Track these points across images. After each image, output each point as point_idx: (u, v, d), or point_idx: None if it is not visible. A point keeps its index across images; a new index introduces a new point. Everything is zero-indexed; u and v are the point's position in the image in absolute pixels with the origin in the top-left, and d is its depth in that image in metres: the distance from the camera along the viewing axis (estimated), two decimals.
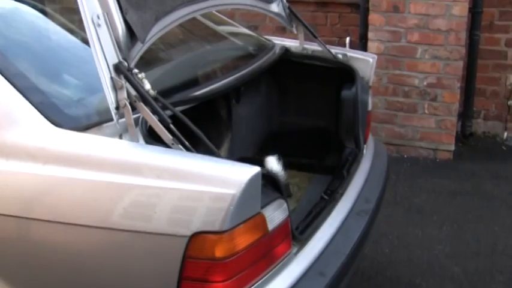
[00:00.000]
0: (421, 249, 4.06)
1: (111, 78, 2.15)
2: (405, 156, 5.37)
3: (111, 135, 2.23)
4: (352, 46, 5.56)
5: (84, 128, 2.26)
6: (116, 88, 2.15)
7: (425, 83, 5.13)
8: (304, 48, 3.64)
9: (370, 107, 3.45)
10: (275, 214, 2.24)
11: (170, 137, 2.16)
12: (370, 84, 3.55)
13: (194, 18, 3.47)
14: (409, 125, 5.28)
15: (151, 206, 2.06)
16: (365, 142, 3.42)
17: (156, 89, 2.55)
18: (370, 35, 5.16)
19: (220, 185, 2.01)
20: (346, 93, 3.37)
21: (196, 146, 2.25)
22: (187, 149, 2.17)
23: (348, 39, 5.66)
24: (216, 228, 1.99)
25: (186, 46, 3.35)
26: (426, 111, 5.20)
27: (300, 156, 3.58)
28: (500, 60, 5.50)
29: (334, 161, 3.41)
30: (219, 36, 3.59)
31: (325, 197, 2.96)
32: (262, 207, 2.15)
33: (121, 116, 2.18)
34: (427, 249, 4.06)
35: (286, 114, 3.83)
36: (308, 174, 3.53)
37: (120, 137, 2.23)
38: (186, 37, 3.41)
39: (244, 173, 2.02)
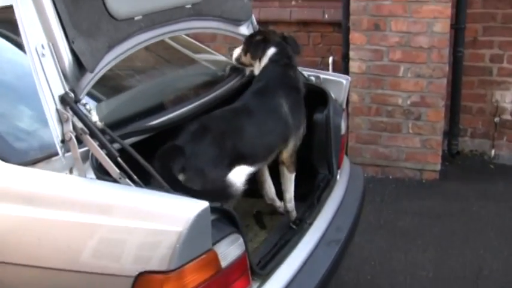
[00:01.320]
0: (404, 275, 3.94)
1: (57, 110, 2.06)
2: (390, 177, 5.27)
3: (61, 169, 2.14)
4: (335, 66, 5.54)
5: (32, 163, 2.17)
6: (61, 120, 2.06)
7: (409, 102, 5.04)
8: None
9: (343, 131, 3.36)
10: (230, 250, 2.14)
11: (117, 171, 2.07)
12: (344, 106, 3.45)
13: (163, 41, 3.41)
14: (394, 146, 5.18)
15: (94, 245, 1.97)
16: (339, 167, 3.33)
17: (113, 118, 2.49)
18: (351, 54, 5.08)
19: (166, 221, 1.93)
20: (318, 116, 3.29)
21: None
22: (136, 183, 2.07)
23: (330, 58, 5.64)
24: (162, 267, 1.91)
25: (151, 72, 3.28)
26: (411, 131, 5.10)
27: (274, 182, 3.48)
28: (486, 76, 5.40)
29: (308, 187, 3.31)
30: (186, 61, 3.51)
31: (294, 226, 2.86)
32: (214, 243, 2.06)
33: (69, 149, 2.10)
34: (411, 274, 3.94)
35: None
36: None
37: (71, 171, 2.15)
38: (151, 62, 3.33)
39: (191, 208, 1.93)
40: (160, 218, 1.93)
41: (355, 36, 5.04)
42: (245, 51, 3.26)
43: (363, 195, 3.42)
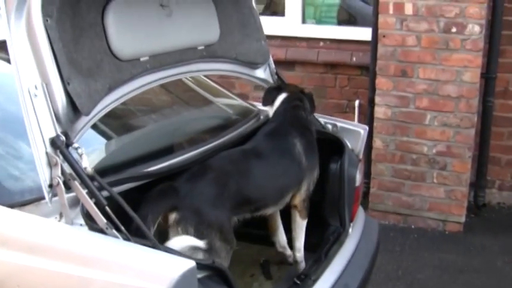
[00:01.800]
0: None
1: (46, 153, 1.99)
2: (412, 226, 5.08)
3: (51, 213, 2.06)
4: (362, 110, 5.41)
5: (20, 204, 2.09)
6: (50, 164, 1.99)
7: (434, 151, 4.87)
8: None
9: (358, 182, 3.21)
10: None
11: (104, 220, 1.97)
12: (361, 157, 3.32)
13: (182, 82, 3.35)
14: (417, 194, 5.00)
15: None
16: (351, 220, 3.18)
17: (113, 161, 2.41)
18: (377, 99, 4.95)
19: (149, 280, 1.83)
20: (332, 166, 3.17)
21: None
22: (123, 235, 1.97)
23: (357, 102, 5.51)
24: None
25: (162, 113, 3.20)
26: (435, 181, 4.92)
27: (286, 231, 3.35)
28: None
29: (318, 238, 3.17)
30: (198, 102, 3.43)
31: (297, 282, 2.72)
32: None
33: (55, 194, 2.01)
34: None
35: None
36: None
37: (61, 215, 2.06)
38: (165, 102, 3.27)
39: (176, 268, 1.82)
40: (144, 275, 1.84)
41: (381, 82, 4.91)
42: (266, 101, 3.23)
43: (375, 250, 3.27)
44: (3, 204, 2.08)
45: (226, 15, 3.06)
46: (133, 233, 2.03)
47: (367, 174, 5.25)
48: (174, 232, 2.37)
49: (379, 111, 4.96)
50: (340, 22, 5.82)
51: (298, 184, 2.93)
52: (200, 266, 2.02)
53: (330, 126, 3.36)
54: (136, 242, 1.96)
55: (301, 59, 5.65)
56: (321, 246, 3.01)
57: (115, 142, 2.77)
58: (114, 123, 2.86)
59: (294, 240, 3.08)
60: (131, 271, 1.84)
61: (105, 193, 2.11)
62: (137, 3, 2.50)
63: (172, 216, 2.40)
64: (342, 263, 2.94)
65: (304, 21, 5.77)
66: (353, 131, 3.33)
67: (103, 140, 2.73)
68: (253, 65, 3.24)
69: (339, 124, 3.36)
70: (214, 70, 3.04)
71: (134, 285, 1.81)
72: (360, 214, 3.44)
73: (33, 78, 2.00)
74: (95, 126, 2.60)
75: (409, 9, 4.69)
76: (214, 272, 2.06)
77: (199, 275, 2.01)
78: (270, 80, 3.37)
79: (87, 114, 2.15)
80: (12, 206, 2.08)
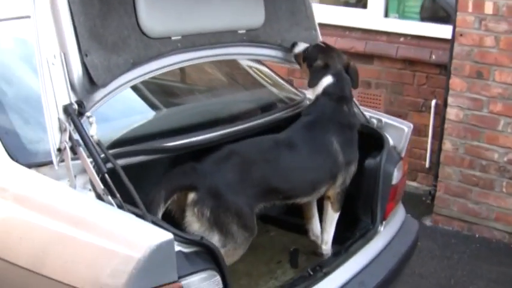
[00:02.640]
0: None
1: (58, 119, 2.11)
2: (477, 235, 4.87)
3: (63, 176, 2.18)
4: (437, 110, 5.25)
5: (37, 165, 2.23)
6: (60, 130, 2.10)
7: (505, 159, 4.64)
8: None
9: (395, 180, 3.14)
10: (202, 285, 2.07)
11: (102, 187, 2.07)
12: (403, 154, 3.24)
13: (235, 62, 3.40)
14: (484, 203, 4.79)
15: (62, 254, 2.00)
16: (385, 218, 3.12)
17: (134, 134, 2.50)
18: (450, 100, 4.77)
19: (128, 246, 1.91)
20: (370, 162, 3.12)
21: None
22: (118, 202, 2.07)
23: (433, 102, 5.36)
24: None
25: (197, 90, 3.26)
26: (504, 190, 4.69)
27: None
28: None
29: (348, 232, 3.14)
30: (241, 84, 3.47)
31: (310, 272, 2.71)
32: (183, 276, 2.00)
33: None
34: None
35: None
36: None
37: (75, 177, 2.18)
38: (211, 80, 3.33)
39: (153, 238, 1.89)
40: (124, 241, 1.91)
41: (455, 82, 4.74)
42: (305, 58, 3.14)
43: (408, 251, 3.19)
44: (22, 164, 2.22)
45: (275, 2, 3.08)
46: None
47: (435, 177, 5.10)
48: (190, 212, 2.43)
49: (451, 113, 4.79)
50: (425, 18, 5.65)
51: (332, 178, 2.91)
52: (188, 240, 2.08)
53: (374, 121, 3.30)
54: (128, 210, 2.05)
55: (380, 53, 5.55)
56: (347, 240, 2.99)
57: (144, 116, 2.87)
58: (148, 97, 2.96)
59: (322, 232, 3.08)
60: (114, 236, 1.93)
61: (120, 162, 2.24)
62: None
63: (191, 196, 2.45)
64: (363, 260, 2.90)
65: (386, 15, 5.65)
66: (397, 128, 3.26)
67: (131, 112, 2.83)
68: None
69: (383, 119, 3.29)
70: (255, 55, 3.06)
71: (114, 250, 1.90)
72: (399, 213, 3.37)
73: (52, 48, 2.12)
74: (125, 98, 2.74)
75: (489, 8, 4.49)
76: (203, 249, 2.10)
77: (187, 250, 2.07)
78: None
79: (103, 86, 2.25)
80: (29, 166, 2.22)
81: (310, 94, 3.11)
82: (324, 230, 3.07)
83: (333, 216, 3.03)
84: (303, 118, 2.99)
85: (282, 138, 2.87)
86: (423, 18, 5.62)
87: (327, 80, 3.03)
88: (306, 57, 3.12)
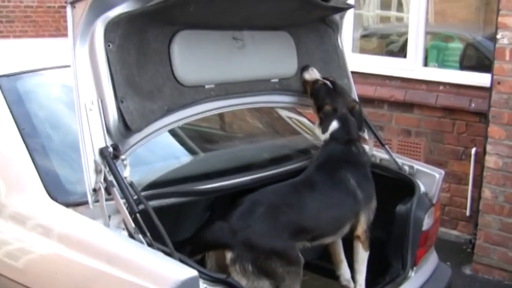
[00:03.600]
0: None
1: (94, 161, 2.24)
2: None
3: (98, 216, 2.30)
4: (477, 158, 5.24)
5: (74, 205, 2.36)
6: (96, 171, 2.24)
7: None
8: (372, 155, 3.47)
9: (426, 226, 3.16)
10: None
11: (133, 225, 2.19)
12: (435, 201, 3.27)
13: (274, 111, 3.52)
14: None
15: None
16: (415, 264, 3.13)
17: (170, 176, 2.62)
18: (488, 148, 4.77)
19: (155, 282, 2.00)
20: (400, 208, 3.15)
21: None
22: (148, 240, 2.17)
23: (473, 150, 5.35)
24: None
25: (236, 137, 3.38)
26: None
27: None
28: None
29: (379, 277, 3.16)
30: (274, 129, 3.56)
31: None
32: None
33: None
34: None
35: None
36: None
37: (109, 218, 2.30)
38: (244, 128, 3.44)
39: (179, 273, 1.99)
40: (150, 276, 2.00)
41: (493, 130, 4.74)
42: (313, 91, 3.16)
43: None
44: (61, 203, 2.36)
45: (308, 52, 3.19)
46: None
47: (475, 226, 5.05)
48: (233, 271, 2.53)
49: (490, 160, 4.78)
50: (465, 67, 5.69)
51: (355, 215, 2.97)
52: (213, 278, 2.16)
53: (406, 168, 3.33)
54: (158, 248, 2.15)
55: (419, 102, 5.60)
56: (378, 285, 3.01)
57: (179, 160, 3.00)
58: (185, 143, 3.09)
59: (355, 274, 3.10)
60: (142, 272, 2.02)
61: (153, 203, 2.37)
62: (207, 35, 2.71)
63: (229, 256, 2.56)
64: None
65: (425, 64, 5.72)
66: (429, 175, 3.29)
67: (168, 157, 2.97)
68: None
69: (415, 166, 3.33)
70: (287, 103, 3.17)
71: (142, 285, 1.99)
72: (431, 260, 3.37)
73: (90, 94, 2.28)
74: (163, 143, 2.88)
75: None
76: (229, 287, 2.18)
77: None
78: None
79: (138, 131, 2.39)
80: (67, 205, 2.36)
81: (317, 129, 3.13)
82: (357, 271, 3.09)
83: (364, 256, 3.06)
84: (314, 162, 3.07)
85: (299, 180, 2.95)
86: (463, 67, 5.66)
87: (334, 125, 3.07)
88: (314, 93, 3.15)
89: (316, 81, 3.15)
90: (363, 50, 6.21)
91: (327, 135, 3.08)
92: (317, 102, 3.13)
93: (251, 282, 2.57)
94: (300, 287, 2.66)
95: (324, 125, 3.06)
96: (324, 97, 3.10)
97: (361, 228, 3.00)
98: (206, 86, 2.70)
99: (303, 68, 3.15)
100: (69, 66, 2.26)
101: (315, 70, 3.17)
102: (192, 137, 3.30)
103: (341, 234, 3.01)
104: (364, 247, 3.05)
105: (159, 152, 2.94)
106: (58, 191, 2.42)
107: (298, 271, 2.65)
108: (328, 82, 3.15)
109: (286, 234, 2.69)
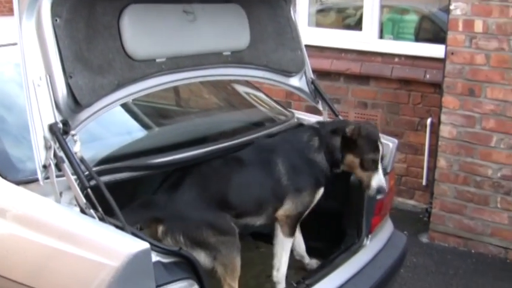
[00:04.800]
0: None
1: (44, 137, 2.21)
2: (473, 251, 4.92)
3: (50, 193, 2.28)
4: (433, 129, 5.33)
5: (25, 182, 2.34)
6: (45, 147, 2.21)
7: (499, 175, 4.70)
8: None
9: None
10: None
11: (84, 201, 2.17)
12: (389, 170, 3.32)
13: (229, 85, 3.51)
14: (479, 218, 4.84)
15: (46, 265, 2.10)
16: (370, 232, 3.19)
17: (124, 151, 2.60)
18: (443, 117, 4.85)
19: (107, 256, 1.99)
20: (354, 178, 3.19)
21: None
22: (100, 215, 2.16)
23: (429, 120, 5.43)
24: None
25: (191, 112, 3.37)
26: (499, 205, 4.74)
27: (311, 238, 3.41)
28: None
29: (335, 247, 3.21)
30: (228, 103, 3.57)
31: (294, 284, 2.78)
32: (161, 285, 2.09)
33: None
34: None
35: None
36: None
37: (60, 195, 2.28)
38: (200, 102, 3.44)
39: (130, 247, 1.98)
40: (103, 250, 2.00)
41: (448, 100, 4.83)
42: None
43: (395, 264, 3.25)
44: (11, 181, 2.33)
45: (261, 24, 3.19)
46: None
47: (431, 195, 5.16)
48: (166, 242, 2.53)
49: (445, 130, 4.87)
50: (420, 39, 5.76)
51: (278, 200, 2.88)
52: (166, 251, 2.17)
53: None
54: (109, 222, 2.14)
55: (375, 74, 5.66)
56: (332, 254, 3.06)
57: (133, 135, 2.98)
58: (139, 118, 3.08)
59: (273, 257, 2.97)
60: (95, 247, 2.01)
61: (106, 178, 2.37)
62: (157, 8, 2.68)
63: (160, 229, 2.56)
64: (348, 272, 2.96)
65: (381, 37, 5.77)
66: (383, 144, 3.33)
67: (121, 132, 2.95)
68: (287, 73, 3.32)
69: None
70: (240, 76, 3.16)
71: (94, 260, 1.99)
72: (386, 228, 3.43)
73: (38, 70, 2.24)
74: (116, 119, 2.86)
75: (479, 26, 4.60)
76: (182, 259, 2.19)
77: (166, 260, 2.16)
78: (306, 88, 3.44)
79: (87, 106, 2.36)
80: (18, 183, 2.33)
81: None
82: (274, 255, 2.96)
83: (283, 241, 2.94)
84: (263, 140, 3.07)
85: (233, 156, 2.93)
86: (418, 39, 5.73)
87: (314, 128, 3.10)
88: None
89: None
90: (319, 24, 6.22)
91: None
92: None
93: None
94: (238, 257, 2.63)
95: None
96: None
97: (283, 212, 2.90)
98: (157, 60, 2.68)
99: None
100: (15, 44, 2.22)
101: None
102: (147, 113, 3.29)
103: (267, 217, 2.92)
104: (283, 232, 2.93)
105: (113, 128, 2.92)
106: (7, 169, 2.38)
107: (232, 241, 2.63)
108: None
109: (214, 204, 2.69)
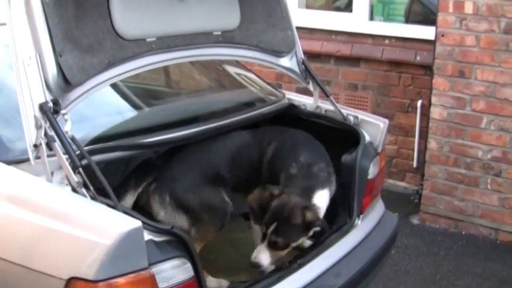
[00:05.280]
0: None
1: (34, 116, 2.20)
2: (463, 232, 4.94)
3: (42, 172, 2.26)
4: (424, 111, 5.34)
5: (17, 162, 2.32)
6: (36, 126, 2.20)
7: (489, 156, 4.72)
8: (317, 107, 3.51)
9: (372, 175, 3.22)
10: (173, 272, 2.17)
11: (76, 180, 2.16)
12: (380, 150, 3.33)
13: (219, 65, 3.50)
14: (470, 200, 4.87)
15: (37, 243, 2.09)
16: (362, 212, 3.20)
17: (114, 131, 2.59)
18: (433, 99, 4.86)
19: (98, 233, 2.00)
20: (346, 157, 3.20)
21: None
22: (91, 194, 2.16)
23: (419, 102, 5.44)
24: (89, 276, 1.98)
25: (182, 92, 3.36)
26: (489, 187, 4.77)
27: None
28: None
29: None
30: (219, 83, 3.56)
31: (287, 265, 2.79)
32: (154, 263, 2.09)
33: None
34: None
35: None
36: None
37: (52, 174, 2.27)
38: (190, 83, 3.43)
39: (123, 225, 1.98)
40: (95, 229, 2.00)
41: (438, 82, 4.83)
42: None
43: (386, 245, 3.26)
44: (2, 161, 2.32)
45: (251, 4, 3.17)
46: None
47: (422, 176, 5.18)
48: (153, 201, 2.65)
49: (435, 112, 4.88)
50: (411, 20, 5.76)
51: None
52: (158, 229, 2.17)
53: (351, 118, 3.38)
54: (101, 201, 2.14)
55: (366, 56, 5.65)
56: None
57: (124, 115, 2.97)
58: (130, 99, 3.07)
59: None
60: (87, 225, 2.02)
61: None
62: None
63: (152, 187, 2.68)
64: (339, 252, 2.97)
65: (371, 18, 5.76)
66: (373, 124, 3.34)
67: (112, 112, 2.94)
68: (277, 54, 3.32)
69: (360, 116, 3.38)
70: (231, 55, 3.15)
71: (87, 238, 1.99)
72: (378, 208, 3.44)
73: (28, 49, 2.22)
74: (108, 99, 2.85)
75: (469, 8, 4.59)
76: (174, 238, 2.19)
77: (158, 238, 2.16)
78: (296, 69, 3.43)
79: (78, 85, 2.35)
80: (9, 163, 2.31)
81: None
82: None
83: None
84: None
85: (235, 134, 3.03)
86: (408, 21, 5.73)
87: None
88: None
89: None
90: (309, 6, 6.20)
91: None
92: None
93: (168, 214, 2.67)
94: (215, 232, 2.71)
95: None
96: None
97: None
98: (147, 39, 2.67)
99: None
100: (4, 24, 2.20)
101: None
102: (138, 93, 3.28)
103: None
104: None
105: (104, 108, 2.91)
106: None
107: (219, 214, 2.70)
108: None
109: (209, 175, 2.77)
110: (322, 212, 2.83)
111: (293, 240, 2.72)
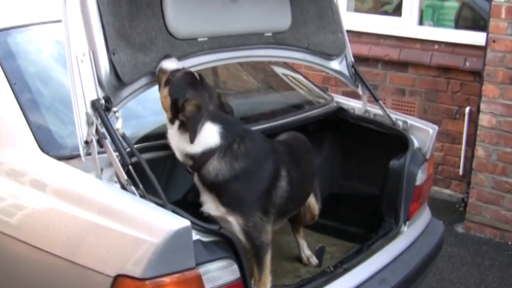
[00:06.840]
0: None
1: (86, 113, 2.22)
2: (509, 243, 4.83)
3: (91, 169, 2.28)
4: (472, 118, 5.23)
5: (67, 158, 2.35)
6: (87, 123, 2.22)
7: None
8: (366, 111, 3.47)
9: (420, 181, 3.17)
10: (220, 273, 2.16)
11: (125, 177, 2.18)
12: (428, 156, 3.27)
13: (269, 67, 3.50)
14: None
15: (86, 239, 2.11)
16: (408, 218, 3.15)
17: (163, 130, 2.60)
18: (482, 106, 4.76)
19: (146, 231, 2.00)
20: (394, 163, 3.16)
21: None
22: (140, 192, 2.17)
23: (467, 109, 5.34)
24: (136, 274, 1.98)
25: (230, 93, 3.36)
26: None
27: (349, 223, 3.40)
28: None
29: (373, 232, 3.18)
30: (267, 84, 3.55)
31: (331, 269, 2.76)
32: (201, 263, 2.08)
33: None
34: None
35: (345, 177, 3.67)
36: (348, 244, 3.30)
37: (102, 170, 2.28)
38: (239, 84, 3.42)
39: (171, 224, 1.98)
40: (144, 227, 2.00)
41: (488, 88, 4.73)
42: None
43: (432, 252, 3.20)
44: (53, 156, 2.35)
45: (302, 6, 3.15)
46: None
47: (468, 184, 5.08)
48: None
49: (484, 119, 4.78)
50: (460, 26, 5.65)
51: None
52: (206, 229, 2.17)
53: (400, 123, 3.34)
54: (150, 200, 2.15)
55: (414, 61, 5.57)
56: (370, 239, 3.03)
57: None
58: None
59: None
60: (135, 223, 2.02)
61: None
62: None
63: None
64: (385, 258, 2.94)
65: (421, 23, 5.68)
66: (423, 130, 3.29)
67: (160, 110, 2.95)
68: (327, 56, 3.29)
69: (409, 121, 3.33)
70: (281, 57, 3.14)
71: (135, 236, 2.00)
72: (424, 215, 3.39)
73: (82, 46, 2.24)
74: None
75: None
76: (222, 239, 2.19)
77: (206, 239, 2.16)
78: (346, 72, 3.40)
79: (129, 83, 2.37)
80: (59, 159, 2.34)
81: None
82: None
83: None
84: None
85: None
86: (458, 26, 5.63)
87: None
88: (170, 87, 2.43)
89: (176, 70, 2.45)
90: (358, 9, 6.15)
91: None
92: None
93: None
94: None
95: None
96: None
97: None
98: (199, 39, 2.68)
99: (163, 57, 2.50)
100: (60, 21, 2.22)
101: (174, 60, 2.50)
102: None
103: None
104: None
105: (154, 106, 2.91)
106: (50, 144, 2.40)
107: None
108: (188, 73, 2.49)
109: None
110: None
111: None
